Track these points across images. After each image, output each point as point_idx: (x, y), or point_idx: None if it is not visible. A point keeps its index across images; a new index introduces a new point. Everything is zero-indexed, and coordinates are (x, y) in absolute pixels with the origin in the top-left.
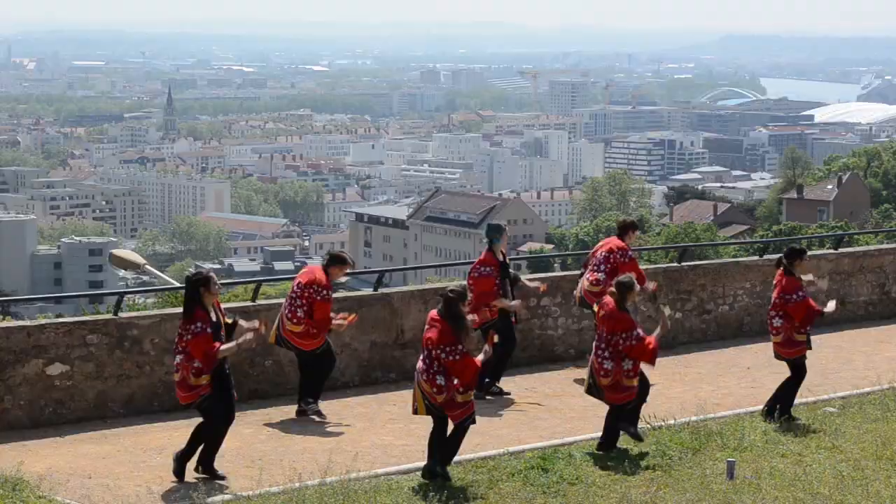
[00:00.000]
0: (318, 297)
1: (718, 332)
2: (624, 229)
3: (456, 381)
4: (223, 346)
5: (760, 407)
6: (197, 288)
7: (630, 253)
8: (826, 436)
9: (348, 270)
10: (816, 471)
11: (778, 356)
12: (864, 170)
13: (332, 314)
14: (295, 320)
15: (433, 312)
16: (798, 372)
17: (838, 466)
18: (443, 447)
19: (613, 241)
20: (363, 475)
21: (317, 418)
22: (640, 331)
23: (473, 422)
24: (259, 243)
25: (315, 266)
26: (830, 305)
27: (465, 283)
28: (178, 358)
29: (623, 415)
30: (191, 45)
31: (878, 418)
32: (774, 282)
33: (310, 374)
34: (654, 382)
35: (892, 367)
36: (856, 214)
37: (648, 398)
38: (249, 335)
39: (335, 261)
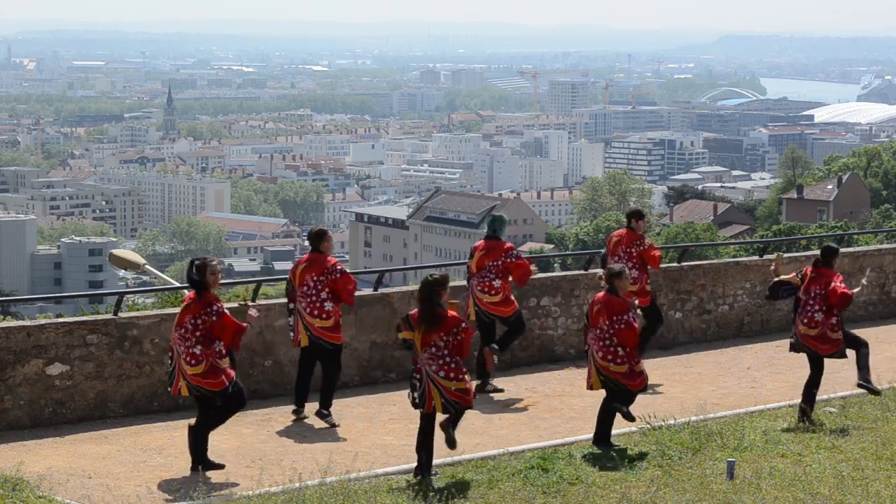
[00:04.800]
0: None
1: (718, 332)
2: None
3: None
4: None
5: (760, 407)
6: (204, 273)
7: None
8: (826, 436)
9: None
10: (816, 471)
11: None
12: (864, 170)
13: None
14: (324, 315)
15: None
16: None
17: (838, 466)
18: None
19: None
20: (363, 475)
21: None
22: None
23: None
24: (259, 243)
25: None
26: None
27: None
28: (197, 348)
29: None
30: (191, 45)
31: (878, 418)
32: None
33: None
34: (659, 382)
35: (892, 367)
36: (856, 214)
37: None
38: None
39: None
